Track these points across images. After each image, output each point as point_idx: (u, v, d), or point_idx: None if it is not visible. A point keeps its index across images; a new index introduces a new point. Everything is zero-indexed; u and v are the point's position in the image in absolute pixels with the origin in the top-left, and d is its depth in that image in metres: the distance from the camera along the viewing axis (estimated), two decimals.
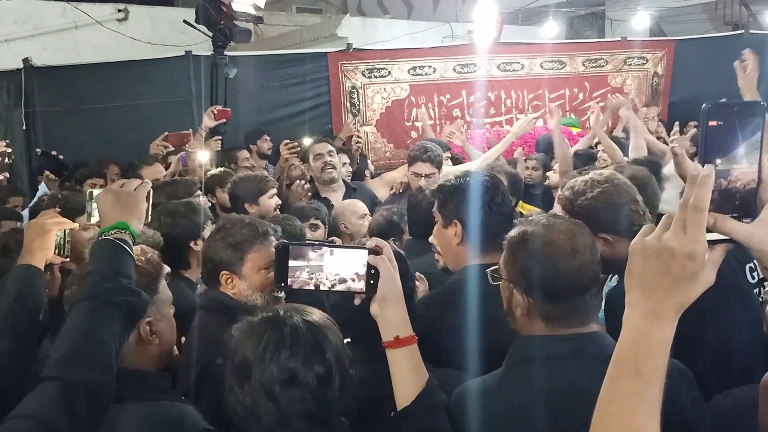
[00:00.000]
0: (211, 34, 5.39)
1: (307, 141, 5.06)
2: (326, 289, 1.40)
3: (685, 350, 1.52)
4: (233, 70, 5.48)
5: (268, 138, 5.81)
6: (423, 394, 1.36)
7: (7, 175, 3.07)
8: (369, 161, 5.86)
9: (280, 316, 1.35)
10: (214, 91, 5.51)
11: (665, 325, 0.88)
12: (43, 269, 1.79)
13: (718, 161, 0.91)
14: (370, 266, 1.38)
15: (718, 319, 1.93)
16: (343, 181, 4.31)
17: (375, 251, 1.39)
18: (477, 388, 1.45)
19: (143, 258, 1.64)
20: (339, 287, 1.39)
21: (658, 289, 0.88)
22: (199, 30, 5.39)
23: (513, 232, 1.53)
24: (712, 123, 0.92)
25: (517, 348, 1.48)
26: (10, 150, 2.91)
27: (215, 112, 4.71)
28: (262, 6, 5.78)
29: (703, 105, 0.94)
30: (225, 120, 4.83)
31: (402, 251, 1.77)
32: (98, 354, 1.29)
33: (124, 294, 1.38)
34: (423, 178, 3.73)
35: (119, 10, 9.01)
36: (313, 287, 1.40)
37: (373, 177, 5.35)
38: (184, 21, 5.41)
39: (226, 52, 5.52)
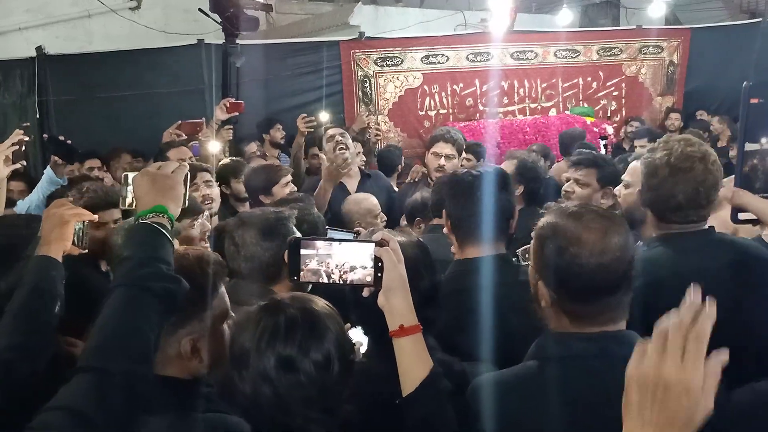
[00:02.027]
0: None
1: (323, 116, 5.07)
2: (336, 281, 1.42)
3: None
4: (241, 58, 5.46)
5: (281, 127, 5.79)
6: (426, 381, 1.37)
7: (24, 163, 3.08)
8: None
9: (278, 304, 1.36)
10: (226, 80, 5.50)
11: None
12: (60, 260, 1.78)
13: (764, 140, 0.89)
14: (377, 259, 1.40)
15: (739, 310, 1.91)
16: (359, 168, 4.26)
17: (381, 244, 1.41)
18: (497, 382, 1.44)
19: (198, 269, 1.50)
20: (348, 279, 1.41)
21: (656, 426, 0.87)
22: (212, 18, 5.38)
23: (542, 222, 1.49)
24: (754, 101, 0.89)
25: (541, 345, 1.47)
26: (27, 138, 2.91)
27: (227, 105, 4.69)
28: None
29: (744, 83, 0.91)
30: (237, 113, 4.81)
31: (423, 242, 1.77)
32: (135, 344, 1.24)
33: (162, 280, 1.32)
34: (443, 158, 3.69)
35: None
36: (323, 280, 1.43)
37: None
38: (199, 9, 5.40)
39: (238, 41, 5.50)
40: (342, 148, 4.03)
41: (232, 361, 1.33)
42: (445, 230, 2.13)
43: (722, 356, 0.87)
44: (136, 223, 1.42)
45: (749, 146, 0.87)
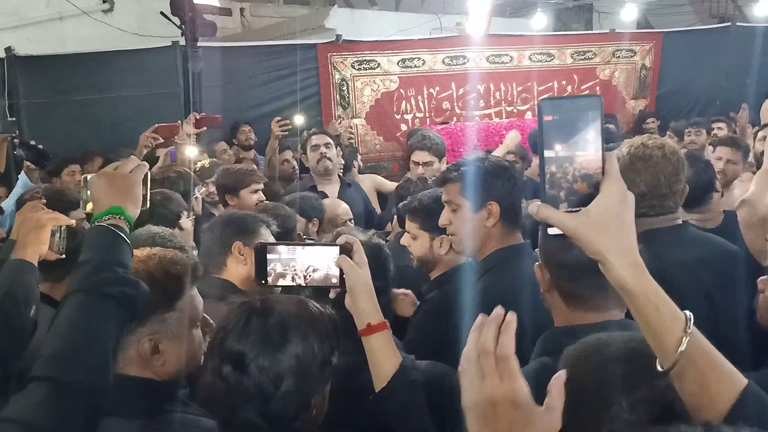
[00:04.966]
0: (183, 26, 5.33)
1: (298, 118, 5.09)
2: (302, 283, 1.45)
3: None
4: (199, 63, 5.37)
5: (247, 128, 5.78)
6: (397, 373, 1.40)
7: None
8: (358, 154, 5.79)
9: (260, 304, 1.35)
10: (187, 84, 5.42)
11: None
12: (36, 264, 1.76)
13: (559, 147, 0.92)
14: None
15: (710, 306, 1.96)
16: (339, 176, 4.25)
17: (344, 248, 1.44)
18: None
19: (160, 269, 1.46)
20: (314, 281, 1.45)
21: None
22: (172, 22, 5.33)
23: None
24: (548, 118, 0.92)
25: (549, 340, 1.52)
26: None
27: (194, 119, 4.50)
28: None
29: (539, 100, 0.95)
30: (207, 127, 4.64)
31: (384, 246, 1.80)
32: (93, 353, 1.20)
33: (119, 284, 1.27)
34: (421, 166, 3.69)
35: (104, 1, 8.92)
36: (289, 283, 1.45)
37: (361, 171, 5.33)
38: (161, 13, 5.35)
39: (216, 44, 5.45)
40: (325, 162, 4.06)
41: (208, 347, 1.37)
42: (488, 222, 2.00)
43: (561, 377, 0.92)
44: (92, 225, 1.37)
45: (547, 154, 0.92)
